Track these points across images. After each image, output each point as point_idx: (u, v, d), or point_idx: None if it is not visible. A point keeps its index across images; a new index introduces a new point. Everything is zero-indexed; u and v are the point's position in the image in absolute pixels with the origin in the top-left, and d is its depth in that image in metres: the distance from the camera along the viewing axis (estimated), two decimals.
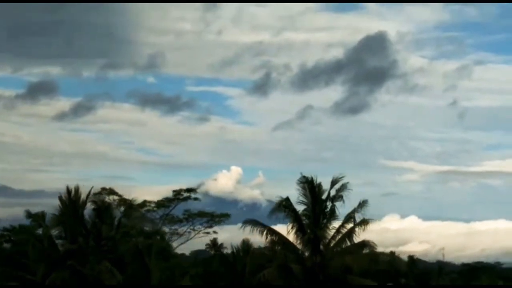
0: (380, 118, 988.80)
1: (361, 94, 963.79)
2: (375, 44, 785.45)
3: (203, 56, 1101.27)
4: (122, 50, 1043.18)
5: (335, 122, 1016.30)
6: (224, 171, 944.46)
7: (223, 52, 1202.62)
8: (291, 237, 46.61)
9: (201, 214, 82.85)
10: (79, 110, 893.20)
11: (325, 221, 46.58)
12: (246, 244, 53.48)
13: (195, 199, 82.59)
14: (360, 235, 46.21)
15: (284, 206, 46.65)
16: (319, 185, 46.70)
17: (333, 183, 46.44)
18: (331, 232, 46.53)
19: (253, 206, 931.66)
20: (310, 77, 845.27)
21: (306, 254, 46.37)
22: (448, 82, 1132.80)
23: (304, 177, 46.63)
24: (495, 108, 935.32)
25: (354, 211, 46.85)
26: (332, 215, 46.75)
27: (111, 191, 71.05)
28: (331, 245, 46.51)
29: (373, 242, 46.90)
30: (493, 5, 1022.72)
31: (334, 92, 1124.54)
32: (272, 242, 46.67)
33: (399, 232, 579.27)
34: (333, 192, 46.41)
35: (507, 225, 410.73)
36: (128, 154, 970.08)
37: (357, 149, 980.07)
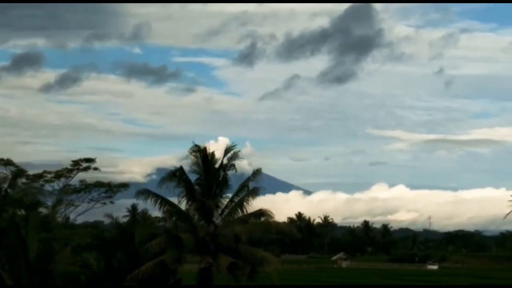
0: (366, 87, 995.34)
1: (348, 63, 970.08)
2: (361, 13, 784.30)
3: (189, 27, 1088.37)
4: (107, 21, 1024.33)
5: (321, 92, 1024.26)
6: (212, 141, 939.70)
7: (208, 22, 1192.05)
8: (184, 206, 46.19)
9: (98, 185, 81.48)
10: (65, 82, 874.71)
11: (218, 190, 46.29)
12: (145, 214, 52.92)
13: (95, 169, 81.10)
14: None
15: (176, 176, 46.13)
16: (212, 154, 46.36)
17: (226, 151, 46.22)
18: (225, 201, 46.31)
19: (241, 176, 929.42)
20: (296, 47, 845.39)
21: (200, 224, 46.05)
22: (434, 51, 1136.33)
23: (196, 145, 46.27)
24: (481, 76, 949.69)
25: (248, 180, 46.83)
26: (225, 184, 46.52)
27: (8, 162, 69.18)
28: (225, 214, 46.30)
29: (270, 211, 47.08)
30: None
31: (320, 62, 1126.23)
32: (168, 212, 46.24)
33: (387, 201, 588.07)
34: (226, 162, 46.20)
35: (494, 193, 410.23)
36: (115, 126, 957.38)
37: (344, 118, 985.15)
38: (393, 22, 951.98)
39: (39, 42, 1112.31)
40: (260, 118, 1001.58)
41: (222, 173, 46.42)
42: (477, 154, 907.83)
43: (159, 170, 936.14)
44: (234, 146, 46.33)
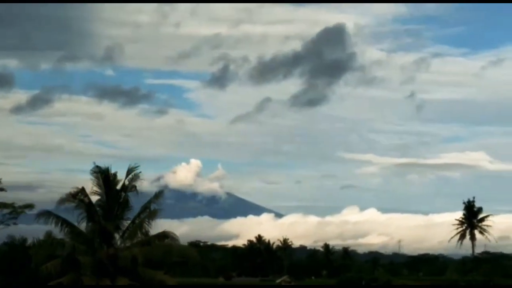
0: (338, 111, 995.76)
1: (320, 86, 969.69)
2: (334, 36, 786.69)
3: (161, 49, 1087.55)
4: (79, 42, 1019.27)
5: (293, 115, 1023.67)
6: (183, 163, 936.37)
7: (181, 44, 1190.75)
8: (85, 228, 45.62)
9: (1, 205, 79.45)
10: (36, 103, 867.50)
11: (119, 212, 45.82)
12: (48, 236, 51.94)
13: (1, 189, 79.06)
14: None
15: (76, 197, 45.50)
16: (114, 175, 45.88)
17: (128, 172, 45.74)
18: (126, 223, 45.86)
19: (213, 198, 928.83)
20: (268, 70, 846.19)
21: (100, 245, 45.48)
22: (406, 75, 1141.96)
23: (97, 167, 45.76)
24: (452, 101, 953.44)
25: (150, 201, 46.44)
26: (126, 206, 46.08)
27: None
28: (125, 236, 45.79)
29: (173, 234, 46.62)
30: None
31: (292, 85, 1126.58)
32: (68, 233, 45.63)
33: (358, 224, 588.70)
34: (127, 183, 45.78)
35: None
36: (86, 147, 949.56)
37: (316, 141, 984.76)
38: (365, 46, 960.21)
39: (11, 63, 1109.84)
40: (232, 140, 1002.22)
41: (123, 194, 45.87)
42: (448, 178, 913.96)
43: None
44: (136, 167, 45.88)
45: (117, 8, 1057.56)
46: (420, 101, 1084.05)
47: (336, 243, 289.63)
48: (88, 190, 45.42)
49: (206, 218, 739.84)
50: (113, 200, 45.48)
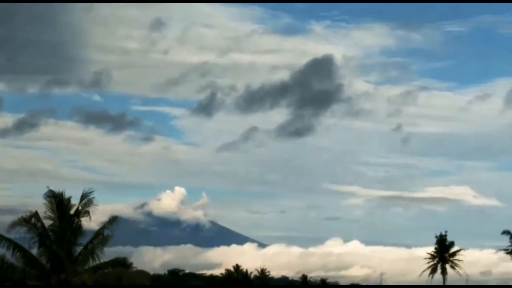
0: (324, 142, 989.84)
1: (306, 117, 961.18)
2: (321, 67, 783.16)
3: (149, 75, 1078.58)
4: (67, 67, 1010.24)
5: (279, 145, 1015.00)
6: (168, 191, 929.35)
7: (169, 71, 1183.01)
8: (36, 253, 45.21)
9: None
10: (22, 127, 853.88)
11: (71, 237, 45.48)
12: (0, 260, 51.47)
13: None
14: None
15: (28, 222, 45.08)
16: (68, 200, 45.62)
17: (82, 198, 45.50)
18: (78, 248, 45.53)
19: (196, 227, 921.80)
20: (256, 99, 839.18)
21: (51, 271, 45.09)
22: (393, 107, 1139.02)
23: (51, 191, 45.42)
24: (439, 134, 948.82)
25: (104, 227, 46.15)
26: (79, 231, 45.74)
27: None
28: (78, 262, 45.47)
29: (127, 260, 46.46)
30: (438, 32, 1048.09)
31: (279, 115, 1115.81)
32: (22, 257, 45.20)
33: (341, 256, 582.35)
34: (81, 208, 45.56)
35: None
36: (72, 173, 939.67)
37: (301, 172, 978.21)
38: (352, 78, 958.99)
39: None
40: (217, 169, 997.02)
41: (76, 219, 45.57)
42: (432, 212, 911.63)
43: (114, 219, 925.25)
44: (90, 192, 45.68)
45: (106, 34, 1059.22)
46: (406, 134, 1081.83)
47: (318, 274, 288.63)
48: (41, 215, 45.14)
49: (189, 246, 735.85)
50: (66, 225, 45.13)
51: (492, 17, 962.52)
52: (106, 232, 46.06)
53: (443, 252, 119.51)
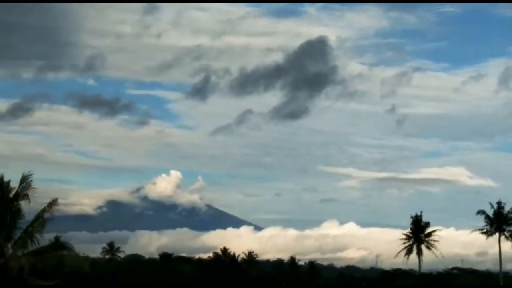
0: (319, 124, 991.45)
1: (301, 99, 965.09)
2: (315, 49, 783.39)
3: (143, 59, 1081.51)
4: (61, 52, 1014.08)
5: (274, 127, 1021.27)
6: (164, 175, 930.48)
7: (162, 55, 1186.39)
8: None
9: None
10: (16, 112, 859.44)
11: (11, 221, 45.13)
12: None
13: None
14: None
15: None
16: (8, 183, 45.21)
17: (22, 181, 45.06)
18: (18, 232, 45.16)
19: (192, 210, 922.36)
20: (250, 82, 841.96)
21: None
22: (387, 89, 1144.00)
23: None
24: (433, 115, 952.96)
25: (43, 210, 45.71)
26: (18, 214, 45.37)
27: None
28: (17, 245, 45.11)
29: (70, 244, 46.10)
30: (432, 13, 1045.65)
31: (273, 97, 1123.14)
32: None
33: (337, 238, 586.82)
34: (20, 191, 45.16)
35: (443, 233, 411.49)
36: (66, 157, 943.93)
37: (296, 154, 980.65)
38: (347, 60, 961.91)
39: None
40: (212, 152, 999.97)
41: (15, 203, 45.20)
42: (428, 193, 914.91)
43: (110, 203, 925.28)
44: (30, 175, 45.20)
45: (99, 18, 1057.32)
46: (400, 115, 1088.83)
47: (315, 256, 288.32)
48: None
49: (185, 230, 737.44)
50: (5, 209, 44.73)
51: None
52: (46, 215, 45.57)
53: (419, 232, 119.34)
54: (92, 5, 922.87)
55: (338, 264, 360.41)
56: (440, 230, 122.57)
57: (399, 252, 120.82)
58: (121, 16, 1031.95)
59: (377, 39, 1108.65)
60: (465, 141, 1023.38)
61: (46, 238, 45.94)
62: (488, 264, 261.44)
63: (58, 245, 46.29)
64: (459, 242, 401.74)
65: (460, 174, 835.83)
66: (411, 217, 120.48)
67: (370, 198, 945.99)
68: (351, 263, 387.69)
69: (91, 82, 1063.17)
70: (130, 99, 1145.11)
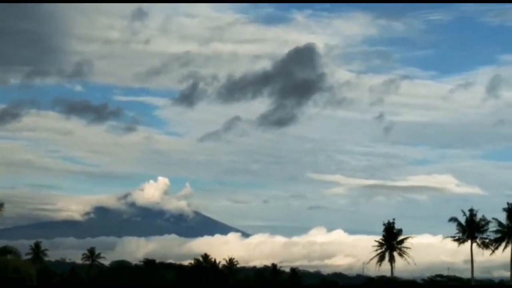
0: (307, 131, 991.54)
1: (289, 106, 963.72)
2: (303, 56, 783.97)
3: (131, 65, 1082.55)
4: (48, 57, 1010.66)
5: (262, 134, 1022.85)
6: (151, 181, 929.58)
7: (150, 61, 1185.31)
8: None
9: None
10: (4, 117, 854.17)
11: None
12: None
13: None
14: None
15: None
16: None
17: None
18: None
19: (180, 217, 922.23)
20: (238, 88, 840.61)
21: None
22: (375, 96, 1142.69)
23: None
24: (421, 123, 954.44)
25: None
26: None
27: None
28: None
29: (16, 249, 45.99)
30: (420, 20, 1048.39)
31: (261, 104, 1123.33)
32: None
33: (325, 245, 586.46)
34: None
35: (431, 240, 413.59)
36: (54, 163, 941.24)
37: (284, 161, 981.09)
38: (335, 67, 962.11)
39: None
40: (200, 159, 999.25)
41: None
42: (415, 200, 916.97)
43: (97, 209, 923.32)
44: None
45: (87, 24, 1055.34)
46: (388, 123, 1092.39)
47: (302, 263, 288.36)
48: None
49: (173, 236, 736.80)
50: None
51: (473, 6, 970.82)
52: None
53: (391, 239, 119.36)
54: (80, 10, 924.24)
55: (325, 271, 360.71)
56: (412, 237, 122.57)
57: (371, 259, 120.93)
58: (109, 22, 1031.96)
59: (365, 46, 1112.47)
60: (452, 149, 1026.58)
61: None
62: (476, 272, 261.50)
63: (4, 250, 46.12)
64: (446, 249, 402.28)
65: (447, 182, 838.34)
66: (383, 224, 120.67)
67: (358, 206, 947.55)
68: (338, 270, 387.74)
69: (78, 88, 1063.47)
70: (118, 105, 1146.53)
